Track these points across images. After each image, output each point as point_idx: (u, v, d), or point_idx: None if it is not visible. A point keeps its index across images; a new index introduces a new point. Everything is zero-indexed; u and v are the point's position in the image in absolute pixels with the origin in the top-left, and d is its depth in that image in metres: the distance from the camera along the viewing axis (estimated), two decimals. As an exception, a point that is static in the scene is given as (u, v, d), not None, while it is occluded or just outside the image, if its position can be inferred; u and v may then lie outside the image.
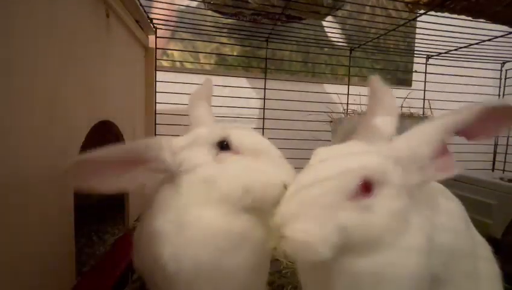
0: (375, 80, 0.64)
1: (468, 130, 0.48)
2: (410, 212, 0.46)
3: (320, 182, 0.46)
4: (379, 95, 0.62)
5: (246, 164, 0.57)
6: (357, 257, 0.45)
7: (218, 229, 0.55)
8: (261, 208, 0.55)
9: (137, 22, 1.26)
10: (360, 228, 0.44)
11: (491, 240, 0.63)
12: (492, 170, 1.98)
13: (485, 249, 0.61)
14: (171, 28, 1.68)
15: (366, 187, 0.45)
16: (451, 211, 0.55)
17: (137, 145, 0.58)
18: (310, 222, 0.44)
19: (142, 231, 0.67)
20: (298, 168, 0.56)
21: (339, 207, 0.44)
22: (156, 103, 1.52)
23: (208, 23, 1.63)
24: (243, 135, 0.60)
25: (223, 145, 0.58)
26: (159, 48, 1.54)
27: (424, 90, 1.87)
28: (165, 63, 1.81)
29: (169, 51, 1.80)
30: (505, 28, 1.45)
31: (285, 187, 0.54)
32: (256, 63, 1.95)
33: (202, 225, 0.55)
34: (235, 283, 0.57)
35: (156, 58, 1.51)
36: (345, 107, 1.74)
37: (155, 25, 1.49)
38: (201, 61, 1.87)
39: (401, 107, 1.47)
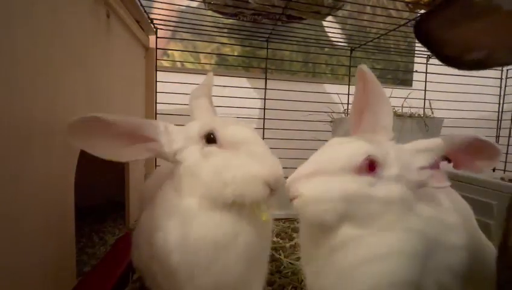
0: (364, 71, 0.62)
1: (457, 157, 0.54)
2: (412, 203, 0.53)
3: (332, 156, 0.54)
4: (370, 87, 0.62)
5: (228, 159, 0.57)
6: (355, 227, 0.51)
7: (207, 224, 0.56)
8: (243, 204, 0.56)
9: (137, 22, 1.26)
10: (362, 199, 0.50)
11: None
12: (493, 170, 1.97)
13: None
14: (172, 28, 1.68)
15: (371, 166, 0.51)
16: (464, 212, 0.62)
17: (141, 122, 0.61)
18: (320, 184, 0.51)
19: (143, 227, 0.69)
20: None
21: (345, 177, 0.51)
22: (156, 103, 1.52)
23: (208, 24, 1.62)
24: (228, 129, 0.60)
25: (210, 138, 0.60)
26: (159, 48, 1.54)
27: (425, 90, 1.87)
28: (165, 63, 1.80)
29: (169, 51, 1.80)
30: (506, 27, 1.45)
31: (267, 184, 0.55)
32: (257, 63, 1.95)
33: (195, 219, 0.57)
34: (231, 277, 0.58)
35: (156, 59, 1.51)
36: (346, 107, 1.74)
37: (155, 25, 1.49)
38: (201, 62, 1.86)
39: (402, 107, 1.47)
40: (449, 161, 0.55)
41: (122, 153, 0.60)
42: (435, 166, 0.54)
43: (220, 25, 1.73)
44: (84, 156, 0.75)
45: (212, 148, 0.59)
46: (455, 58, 0.42)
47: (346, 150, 0.53)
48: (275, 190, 0.56)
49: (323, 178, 0.51)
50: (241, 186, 0.55)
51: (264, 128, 1.69)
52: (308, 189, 0.51)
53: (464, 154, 0.53)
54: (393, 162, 0.53)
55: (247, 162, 0.56)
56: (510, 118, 1.94)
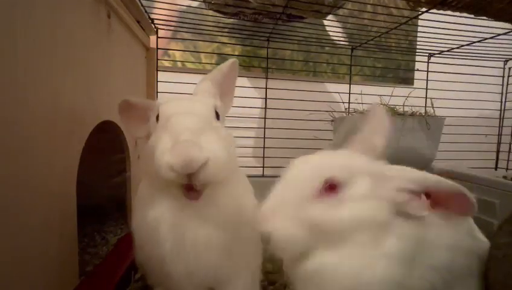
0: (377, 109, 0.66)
1: (437, 198, 0.52)
2: (389, 222, 0.51)
3: (292, 185, 0.53)
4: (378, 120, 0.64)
5: (152, 141, 0.60)
6: (326, 253, 0.50)
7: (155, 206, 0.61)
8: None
9: (138, 22, 1.26)
10: (326, 223, 0.50)
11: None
12: (496, 168, 1.97)
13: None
14: (172, 28, 1.68)
15: (331, 187, 0.51)
16: (456, 228, 0.58)
17: (150, 102, 0.72)
18: (284, 220, 0.51)
19: None
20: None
21: (308, 205, 0.50)
22: (157, 103, 1.52)
23: (209, 23, 1.63)
24: (165, 109, 0.62)
25: (158, 118, 0.63)
26: (160, 48, 1.54)
27: (426, 89, 1.86)
28: (166, 63, 1.81)
29: (170, 51, 1.80)
30: (508, 25, 1.44)
31: (173, 168, 0.53)
32: (258, 63, 1.95)
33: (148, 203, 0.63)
34: (202, 260, 0.61)
35: (157, 59, 1.51)
36: (347, 106, 1.74)
37: (156, 25, 1.49)
38: (202, 61, 1.86)
39: (403, 105, 1.47)
40: (427, 197, 0.52)
41: (141, 130, 0.70)
42: (416, 195, 0.52)
43: (221, 25, 1.73)
44: (86, 155, 0.75)
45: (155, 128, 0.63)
46: None
47: (304, 175, 0.53)
48: (186, 172, 0.53)
49: (287, 212, 0.51)
50: (156, 169, 0.55)
51: (265, 128, 1.69)
52: (275, 228, 0.51)
53: (444, 199, 0.51)
54: (362, 179, 0.51)
55: (163, 147, 0.55)
56: (512, 116, 1.93)
